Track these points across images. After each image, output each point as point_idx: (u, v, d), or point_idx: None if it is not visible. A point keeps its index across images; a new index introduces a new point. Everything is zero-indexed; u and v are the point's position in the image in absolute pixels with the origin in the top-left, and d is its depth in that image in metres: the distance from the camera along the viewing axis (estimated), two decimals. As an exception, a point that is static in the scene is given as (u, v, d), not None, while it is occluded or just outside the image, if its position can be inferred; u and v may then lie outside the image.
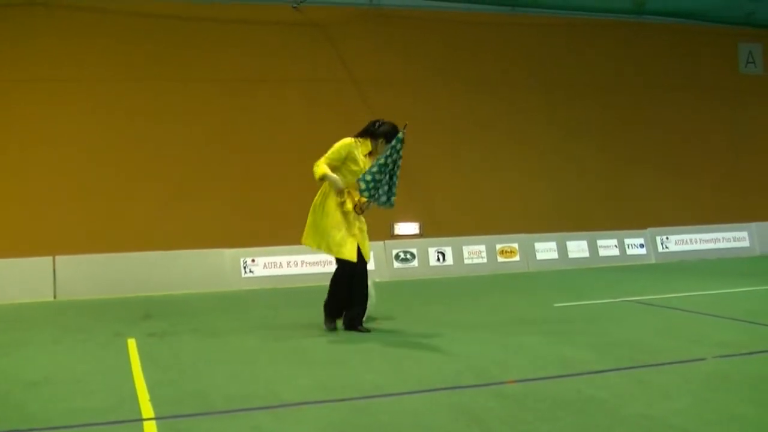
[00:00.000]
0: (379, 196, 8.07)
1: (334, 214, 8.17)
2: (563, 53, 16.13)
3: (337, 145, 8.24)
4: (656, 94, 16.79)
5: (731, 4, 16.40)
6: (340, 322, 8.42)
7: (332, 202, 8.20)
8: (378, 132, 8.27)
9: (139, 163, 13.44)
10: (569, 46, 16.16)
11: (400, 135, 7.99)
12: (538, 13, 15.84)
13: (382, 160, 7.96)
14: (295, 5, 14.16)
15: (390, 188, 8.10)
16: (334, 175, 8.14)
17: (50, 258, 12.49)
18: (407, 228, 14.69)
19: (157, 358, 7.21)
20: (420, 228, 14.78)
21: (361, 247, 8.22)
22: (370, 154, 8.28)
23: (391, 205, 8.25)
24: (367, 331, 8.19)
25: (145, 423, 5.02)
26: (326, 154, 8.25)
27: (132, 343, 7.96)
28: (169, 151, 13.61)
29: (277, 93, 14.14)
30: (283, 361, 6.94)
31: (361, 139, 8.32)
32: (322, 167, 8.17)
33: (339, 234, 8.14)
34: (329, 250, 8.26)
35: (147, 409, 5.33)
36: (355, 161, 8.19)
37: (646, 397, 5.35)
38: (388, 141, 8.13)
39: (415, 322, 8.97)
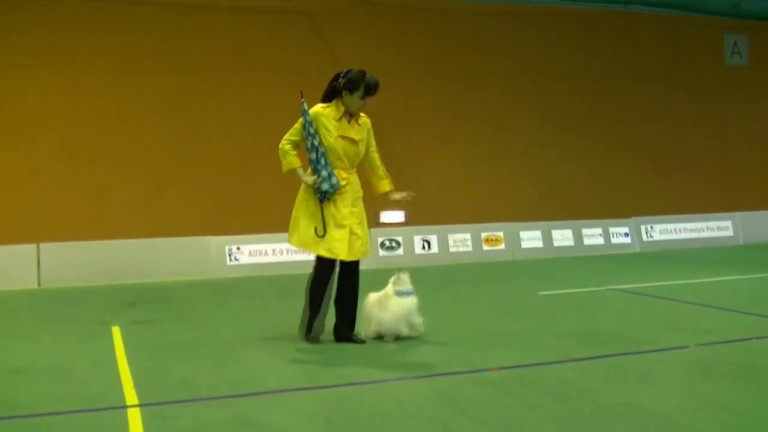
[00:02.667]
0: (325, 178, 6.90)
1: (308, 202, 7.06)
2: (549, 43, 16.13)
3: (301, 118, 7.05)
4: (641, 84, 16.82)
5: (717, -6, 16.51)
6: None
7: (308, 188, 7.09)
8: (341, 86, 6.97)
9: (124, 150, 13.38)
10: (555, 36, 16.16)
11: (302, 106, 7.03)
12: (524, 3, 15.83)
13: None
14: (283, -7, 14.12)
15: (319, 168, 6.93)
16: (300, 170, 7.03)
17: (34, 245, 12.43)
18: (393, 216, 14.68)
19: (142, 345, 7.20)
20: (405, 216, 14.78)
21: (348, 241, 6.98)
22: (345, 115, 7.06)
23: (331, 187, 6.89)
24: (362, 341, 7.07)
25: (130, 410, 5.02)
26: (289, 132, 7.17)
27: (116, 331, 7.94)
28: (155, 138, 13.55)
29: (264, 81, 14.09)
30: (269, 349, 6.93)
31: (327, 103, 7.08)
32: (288, 158, 7.07)
33: (311, 225, 6.99)
34: (300, 244, 7.09)
35: (131, 397, 5.33)
36: (327, 129, 6.96)
37: (629, 385, 5.39)
38: (365, 91, 6.94)
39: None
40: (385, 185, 7.52)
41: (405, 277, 7.18)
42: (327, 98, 7.12)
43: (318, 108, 7.07)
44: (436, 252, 14.41)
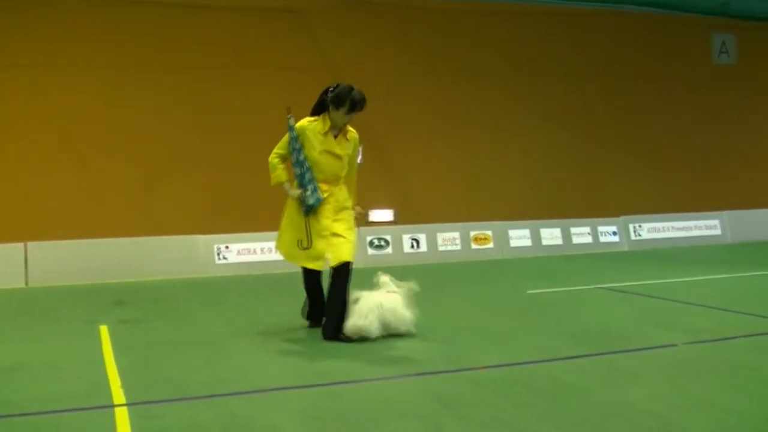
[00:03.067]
0: (307, 196, 7.08)
1: (292, 215, 7.27)
2: (538, 42, 16.15)
3: (288, 133, 7.19)
4: (630, 83, 16.86)
5: (705, -6, 16.57)
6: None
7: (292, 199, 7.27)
8: (328, 101, 7.03)
9: (112, 148, 13.34)
10: (545, 34, 16.18)
11: (289, 122, 7.12)
12: (513, 1, 15.84)
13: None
14: (272, -9, 14.09)
15: (304, 183, 7.08)
16: (287, 185, 7.22)
17: (22, 244, 12.38)
18: (381, 215, 14.68)
19: (130, 344, 7.17)
20: (394, 215, 14.78)
21: (330, 248, 7.10)
22: (332, 129, 7.12)
23: (316, 201, 7.05)
24: (350, 340, 6.96)
25: (117, 409, 5.00)
26: (277, 145, 7.31)
27: (104, 330, 7.91)
28: (143, 137, 13.51)
29: (254, 80, 14.06)
30: (257, 348, 6.92)
31: (315, 117, 7.17)
32: (276, 172, 7.24)
33: (296, 237, 7.23)
34: (286, 255, 7.44)
35: (119, 396, 5.31)
36: (311, 143, 7.06)
37: (618, 383, 5.39)
38: (351, 107, 6.99)
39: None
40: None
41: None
42: (316, 111, 7.19)
43: (305, 122, 7.16)
44: (425, 251, 14.41)
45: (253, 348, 6.92)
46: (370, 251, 13.95)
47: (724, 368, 5.78)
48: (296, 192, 7.13)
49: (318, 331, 7.40)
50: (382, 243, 14.11)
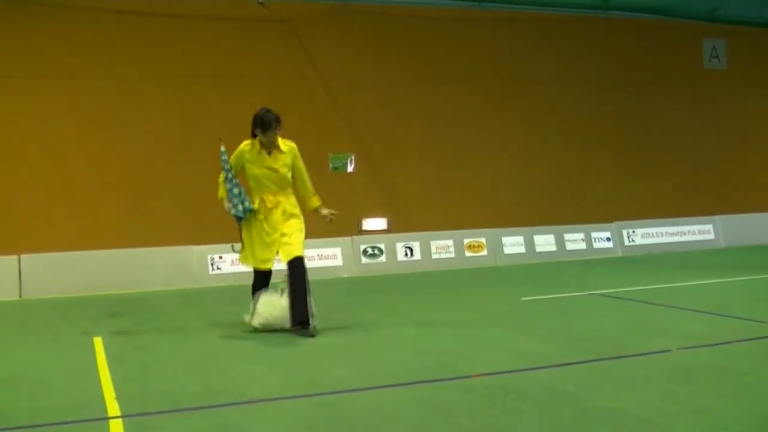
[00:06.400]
0: (234, 205, 8.12)
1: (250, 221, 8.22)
2: (530, 49, 16.19)
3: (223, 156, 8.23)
4: (622, 88, 16.90)
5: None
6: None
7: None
8: (253, 123, 8.06)
9: (104, 160, 13.32)
10: (535, 41, 16.22)
11: (221, 148, 8.21)
12: (504, 8, 15.87)
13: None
14: (261, 1, 14.09)
15: (231, 197, 8.15)
16: (225, 201, 8.24)
17: (15, 257, 12.36)
18: (375, 223, 14.68)
19: (124, 356, 7.17)
20: (388, 223, 14.79)
21: (282, 248, 7.98)
22: (264, 148, 8.07)
23: (240, 212, 8.13)
24: (312, 335, 7.71)
25: (112, 421, 4.99)
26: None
27: (98, 342, 7.90)
28: (135, 147, 13.50)
29: (244, 89, 14.05)
30: (250, 358, 6.92)
31: (249, 141, 8.17)
32: (220, 187, 8.30)
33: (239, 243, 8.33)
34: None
35: (113, 408, 5.30)
36: (250, 162, 8.08)
37: (612, 390, 5.40)
38: (262, 128, 7.94)
39: (382, 318, 8.99)
40: (312, 202, 8.42)
41: None
42: (252, 135, 8.13)
43: (241, 146, 8.21)
44: (419, 259, 14.40)
45: (246, 359, 6.93)
46: (364, 260, 13.95)
47: (718, 374, 5.80)
48: (225, 206, 8.19)
49: (312, 340, 7.42)
50: (376, 251, 14.11)
